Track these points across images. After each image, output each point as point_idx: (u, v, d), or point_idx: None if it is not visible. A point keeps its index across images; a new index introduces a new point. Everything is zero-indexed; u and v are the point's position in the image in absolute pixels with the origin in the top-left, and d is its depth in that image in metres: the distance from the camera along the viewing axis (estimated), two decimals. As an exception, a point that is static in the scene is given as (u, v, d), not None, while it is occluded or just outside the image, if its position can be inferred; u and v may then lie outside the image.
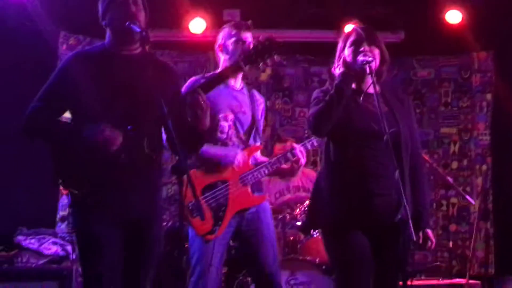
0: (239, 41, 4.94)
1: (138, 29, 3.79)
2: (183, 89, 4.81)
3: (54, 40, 7.85)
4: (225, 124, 4.93)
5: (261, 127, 5.18)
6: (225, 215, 4.83)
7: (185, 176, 3.42)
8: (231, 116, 4.95)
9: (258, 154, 5.18)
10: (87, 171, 3.78)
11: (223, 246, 4.87)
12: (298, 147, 5.08)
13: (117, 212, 3.84)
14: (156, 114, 3.66)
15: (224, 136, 4.93)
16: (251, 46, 4.42)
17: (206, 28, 8.00)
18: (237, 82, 5.08)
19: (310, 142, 5.24)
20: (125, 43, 3.97)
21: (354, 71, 4.23)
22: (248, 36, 4.97)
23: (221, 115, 4.91)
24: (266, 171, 5.01)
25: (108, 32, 4.05)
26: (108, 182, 3.79)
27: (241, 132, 5.01)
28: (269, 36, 4.17)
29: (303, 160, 5.08)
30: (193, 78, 4.99)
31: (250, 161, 5.02)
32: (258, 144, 5.14)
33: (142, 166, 3.87)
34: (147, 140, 3.85)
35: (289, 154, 5.06)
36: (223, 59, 5.04)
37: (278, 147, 7.46)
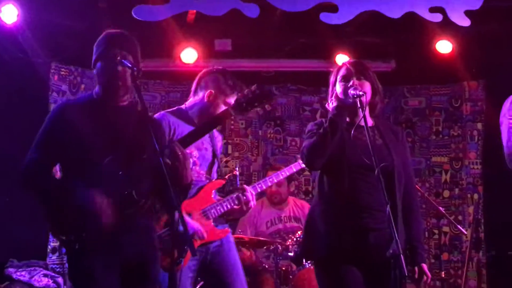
0: (226, 104, 4.92)
1: (129, 65, 3.81)
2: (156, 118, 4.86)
3: (45, 71, 7.84)
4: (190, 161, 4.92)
5: (219, 163, 5.21)
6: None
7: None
8: (195, 153, 4.96)
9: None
10: (76, 220, 3.79)
11: (190, 279, 4.86)
12: (248, 189, 5.09)
13: (112, 256, 3.84)
14: (146, 161, 3.68)
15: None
16: (243, 95, 4.40)
17: (198, 58, 8.01)
18: (200, 121, 5.04)
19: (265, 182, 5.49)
20: (113, 95, 4.00)
21: (346, 105, 4.24)
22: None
23: (187, 151, 4.91)
24: (223, 209, 5.02)
25: (97, 86, 4.09)
26: (99, 230, 3.79)
27: (205, 168, 5.03)
28: (260, 86, 4.18)
29: (252, 203, 5.09)
30: (161, 113, 5.03)
31: (213, 196, 5.05)
32: (215, 179, 5.18)
33: (133, 212, 3.88)
34: (137, 187, 3.86)
35: (240, 195, 5.07)
36: (194, 99, 5.09)
37: (270, 173, 7.46)
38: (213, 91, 4.98)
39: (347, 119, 4.30)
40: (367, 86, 4.29)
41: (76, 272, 3.93)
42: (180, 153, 3.87)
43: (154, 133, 3.66)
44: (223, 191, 5.64)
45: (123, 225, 3.84)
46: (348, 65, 4.36)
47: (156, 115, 4.92)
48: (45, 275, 6.84)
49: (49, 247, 7.53)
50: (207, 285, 5.39)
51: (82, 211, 3.74)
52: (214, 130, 5.18)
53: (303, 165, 5.51)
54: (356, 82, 4.23)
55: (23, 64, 7.49)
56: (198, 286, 5.92)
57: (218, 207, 5.00)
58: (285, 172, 6.04)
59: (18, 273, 6.77)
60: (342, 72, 4.33)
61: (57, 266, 7.14)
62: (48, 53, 7.69)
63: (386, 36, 8.14)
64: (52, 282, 6.78)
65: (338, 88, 4.31)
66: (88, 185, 3.78)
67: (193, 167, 4.91)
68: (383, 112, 8.43)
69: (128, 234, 3.88)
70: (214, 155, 5.09)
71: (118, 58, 3.90)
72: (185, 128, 4.85)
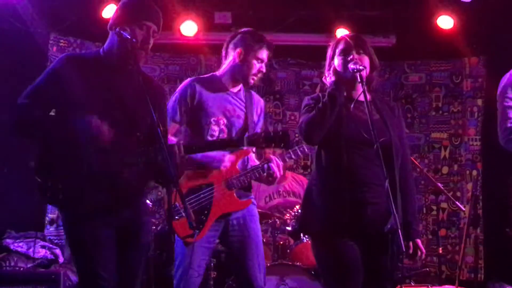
0: (259, 59, 4.93)
1: (127, 36, 3.79)
2: (179, 89, 4.91)
3: (44, 42, 7.80)
4: (215, 128, 4.89)
5: (258, 129, 5.11)
6: (207, 219, 4.80)
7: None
8: (223, 121, 4.91)
9: (251, 157, 5.14)
10: (68, 167, 3.76)
11: (205, 249, 4.84)
12: (275, 160, 4.97)
13: (104, 212, 3.83)
14: (146, 124, 3.65)
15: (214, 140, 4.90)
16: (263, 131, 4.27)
17: (198, 31, 7.98)
18: (235, 86, 5.04)
19: (301, 149, 5.20)
20: (120, 57, 3.95)
21: (345, 79, 4.22)
22: (267, 55, 4.98)
23: (213, 119, 4.89)
24: (247, 179, 4.97)
25: (110, 39, 4.02)
26: (100, 194, 3.78)
27: (233, 136, 4.96)
28: (285, 132, 4.09)
29: (277, 174, 4.97)
30: (188, 80, 4.99)
31: (238, 165, 4.99)
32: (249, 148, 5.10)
33: (129, 173, 3.86)
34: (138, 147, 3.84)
35: (265, 166, 4.98)
36: (227, 64, 5.03)
37: (268, 150, 7.45)
38: (242, 49, 4.95)
39: (345, 94, 4.27)
40: (366, 61, 4.27)
41: (72, 235, 3.92)
42: (178, 155, 3.82)
43: (155, 102, 3.64)
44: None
45: (114, 184, 3.82)
46: (347, 38, 4.34)
47: (184, 82, 4.94)
48: (43, 247, 6.85)
49: (47, 218, 7.53)
50: (228, 257, 5.38)
51: (82, 134, 3.72)
52: (254, 94, 5.18)
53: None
54: (356, 56, 4.21)
55: (21, 34, 7.46)
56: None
57: (242, 178, 4.93)
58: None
59: (16, 244, 6.79)
60: (341, 45, 4.30)
61: (55, 238, 7.16)
62: (47, 24, 7.65)
63: (387, 11, 8.11)
64: (50, 254, 6.79)
65: (337, 62, 4.29)
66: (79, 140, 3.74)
67: (220, 135, 4.89)
68: (383, 87, 8.43)
69: (124, 204, 3.87)
70: (247, 122, 5.02)
71: (117, 29, 3.87)
72: (209, 96, 4.84)
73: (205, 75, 5.18)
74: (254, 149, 5.13)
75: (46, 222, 7.54)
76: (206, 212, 4.82)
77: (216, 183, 4.90)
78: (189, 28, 7.95)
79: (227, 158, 4.91)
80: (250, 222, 4.97)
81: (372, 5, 7.88)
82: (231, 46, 5.05)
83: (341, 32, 7.81)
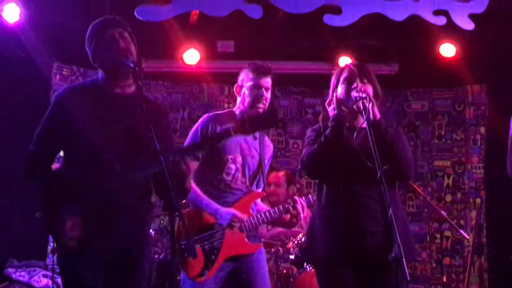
0: (256, 86, 4.86)
1: (131, 65, 3.77)
2: (198, 124, 4.85)
3: (47, 70, 7.83)
4: (232, 167, 4.84)
5: (266, 173, 5.06)
6: (216, 259, 4.75)
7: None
8: (239, 159, 4.86)
9: (258, 200, 5.10)
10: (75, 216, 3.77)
11: None
12: (299, 200, 4.93)
13: (102, 247, 3.82)
14: (148, 152, 3.63)
15: (230, 178, 4.84)
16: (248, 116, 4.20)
17: (200, 59, 8.00)
18: None
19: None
20: (118, 80, 3.95)
21: (347, 108, 4.22)
22: (266, 81, 4.90)
23: (230, 157, 4.83)
24: (265, 220, 4.92)
25: (100, 72, 4.02)
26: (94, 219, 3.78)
27: (247, 176, 4.92)
28: (270, 109, 4.05)
29: (302, 215, 4.95)
30: (207, 116, 4.93)
31: (251, 208, 4.95)
32: (260, 190, 5.05)
33: (131, 203, 3.85)
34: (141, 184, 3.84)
35: (290, 207, 4.92)
36: (239, 100, 4.97)
37: (272, 175, 7.44)
38: (239, 84, 4.95)
39: (347, 124, 4.27)
40: (370, 89, 4.26)
41: (63, 272, 3.95)
42: (183, 165, 3.79)
43: (161, 116, 3.69)
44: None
45: (117, 217, 3.82)
46: (351, 67, 4.34)
47: (204, 116, 4.90)
48: (45, 276, 6.82)
49: (49, 247, 7.50)
50: None
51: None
52: (266, 138, 5.13)
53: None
54: (360, 84, 4.21)
55: (25, 63, 7.49)
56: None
57: (255, 221, 4.87)
58: None
59: (18, 273, 6.75)
60: (344, 73, 4.31)
61: (57, 267, 7.11)
62: (50, 53, 7.69)
63: (390, 39, 8.13)
64: (52, 283, 6.75)
65: (340, 90, 4.29)
66: (87, 175, 3.77)
67: (236, 173, 4.84)
68: (386, 116, 8.42)
69: (121, 226, 3.85)
70: (260, 164, 4.97)
71: (124, 60, 3.86)
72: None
73: (221, 111, 5.12)
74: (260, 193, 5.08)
75: (48, 251, 7.51)
76: (216, 252, 4.76)
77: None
78: (191, 56, 7.97)
79: (233, 214, 4.80)
80: (258, 267, 4.92)
81: (375, 34, 7.90)
82: (235, 86, 5.03)
83: (344, 60, 7.83)
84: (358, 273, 4.15)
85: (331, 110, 4.31)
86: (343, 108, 4.25)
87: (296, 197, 5.00)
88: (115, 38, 3.90)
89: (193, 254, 3.45)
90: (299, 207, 4.91)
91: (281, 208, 4.94)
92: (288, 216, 4.95)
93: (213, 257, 4.73)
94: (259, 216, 4.90)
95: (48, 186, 3.85)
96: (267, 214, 4.93)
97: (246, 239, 4.86)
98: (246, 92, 4.87)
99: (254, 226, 4.88)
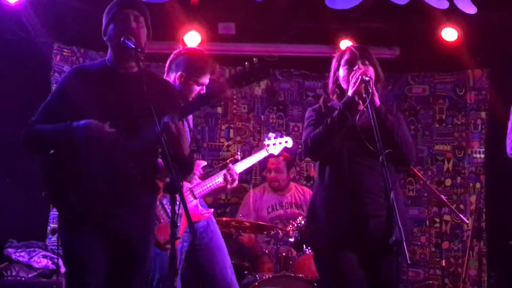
0: (199, 84, 4.94)
1: (132, 45, 3.77)
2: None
3: (48, 51, 7.80)
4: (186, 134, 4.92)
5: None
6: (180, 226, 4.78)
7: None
8: None
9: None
10: (75, 184, 3.75)
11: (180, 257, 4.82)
12: (233, 168, 5.18)
13: (105, 229, 3.81)
14: (153, 132, 3.63)
15: None
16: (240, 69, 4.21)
17: (201, 41, 7.97)
18: None
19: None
20: (122, 60, 3.96)
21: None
22: (208, 80, 4.98)
23: None
24: (215, 185, 5.11)
25: (109, 51, 4.05)
26: (96, 196, 3.76)
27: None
28: (261, 60, 4.01)
29: (236, 183, 5.23)
30: None
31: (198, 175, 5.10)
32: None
33: (135, 184, 3.84)
34: (142, 159, 3.82)
35: (227, 174, 5.17)
36: None
37: (271, 161, 7.44)
38: (183, 73, 4.92)
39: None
40: (371, 72, 4.25)
41: (66, 252, 3.95)
42: (173, 127, 3.76)
43: (169, 94, 3.78)
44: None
45: (118, 200, 3.82)
46: (353, 49, 4.32)
47: None
48: (45, 256, 6.81)
49: (49, 228, 7.50)
50: (191, 267, 5.23)
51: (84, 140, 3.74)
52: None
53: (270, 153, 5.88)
54: (362, 66, 4.19)
55: (25, 44, 7.45)
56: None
57: (204, 187, 5.03)
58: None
59: (17, 254, 6.75)
60: (346, 56, 4.29)
61: (57, 248, 7.11)
62: (50, 33, 7.64)
63: (391, 23, 8.10)
64: (52, 263, 6.76)
65: (342, 72, 4.27)
66: (87, 153, 3.76)
67: None
68: (386, 99, 8.41)
69: (123, 209, 3.84)
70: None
71: (122, 39, 3.86)
72: None
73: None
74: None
75: (48, 231, 7.51)
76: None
77: (185, 191, 4.93)
78: (192, 38, 7.93)
79: None
80: (215, 231, 5.10)
81: (377, 17, 7.87)
82: (173, 66, 5.01)
83: (345, 43, 7.79)
84: (359, 257, 4.15)
85: (335, 98, 4.31)
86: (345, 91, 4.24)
87: (230, 165, 5.24)
88: (129, 18, 3.94)
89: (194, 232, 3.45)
90: (233, 173, 5.19)
91: (220, 175, 5.19)
92: (225, 183, 5.18)
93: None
94: (205, 183, 5.07)
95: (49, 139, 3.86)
96: (211, 182, 5.12)
97: (199, 206, 4.99)
98: (187, 86, 4.92)
99: (205, 192, 5.07)
